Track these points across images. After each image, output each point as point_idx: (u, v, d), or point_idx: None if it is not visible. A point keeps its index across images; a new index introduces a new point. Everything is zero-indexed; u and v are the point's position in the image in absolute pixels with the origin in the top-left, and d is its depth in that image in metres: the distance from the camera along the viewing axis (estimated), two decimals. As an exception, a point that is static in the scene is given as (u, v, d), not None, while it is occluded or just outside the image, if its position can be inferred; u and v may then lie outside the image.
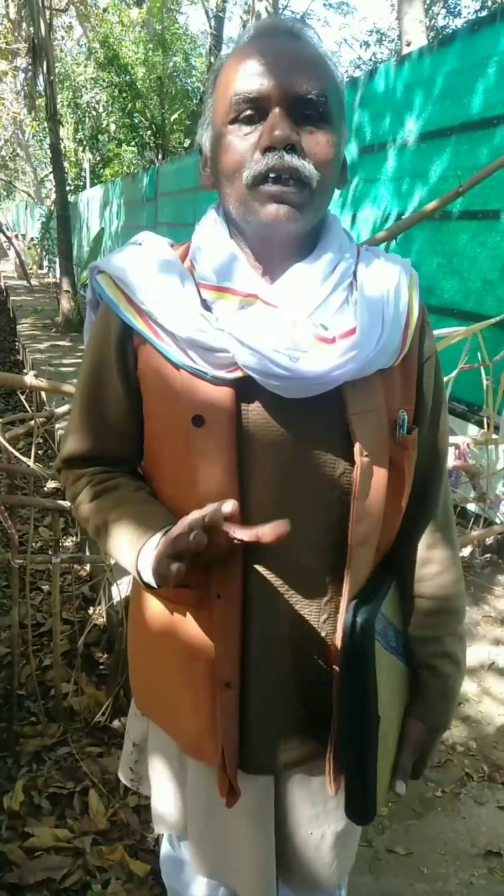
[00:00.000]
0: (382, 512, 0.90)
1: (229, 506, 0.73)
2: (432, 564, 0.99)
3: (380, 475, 0.87)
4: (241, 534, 0.74)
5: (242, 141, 0.80)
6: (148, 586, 0.86)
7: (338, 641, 0.91)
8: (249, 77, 0.79)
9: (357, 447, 0.84)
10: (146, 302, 0.85)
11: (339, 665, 0.90)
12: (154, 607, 0.98)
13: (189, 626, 0.92)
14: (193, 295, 0.85)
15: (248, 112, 0.79)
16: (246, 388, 0.83)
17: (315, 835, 1.02)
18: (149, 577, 0.84)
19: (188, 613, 0.92)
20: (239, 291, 0.83)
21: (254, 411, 0.84)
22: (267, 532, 0.73)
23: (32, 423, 2.05)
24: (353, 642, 0.87)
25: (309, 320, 0.81)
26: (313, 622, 0.91)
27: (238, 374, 0.82)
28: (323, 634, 0.92)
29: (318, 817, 1.02)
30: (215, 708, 0.92)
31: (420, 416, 0.94)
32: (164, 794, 1.09)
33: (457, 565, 1.01)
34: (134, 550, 0.86)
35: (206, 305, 0.84)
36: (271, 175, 0.78)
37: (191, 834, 1.07)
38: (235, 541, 0.75)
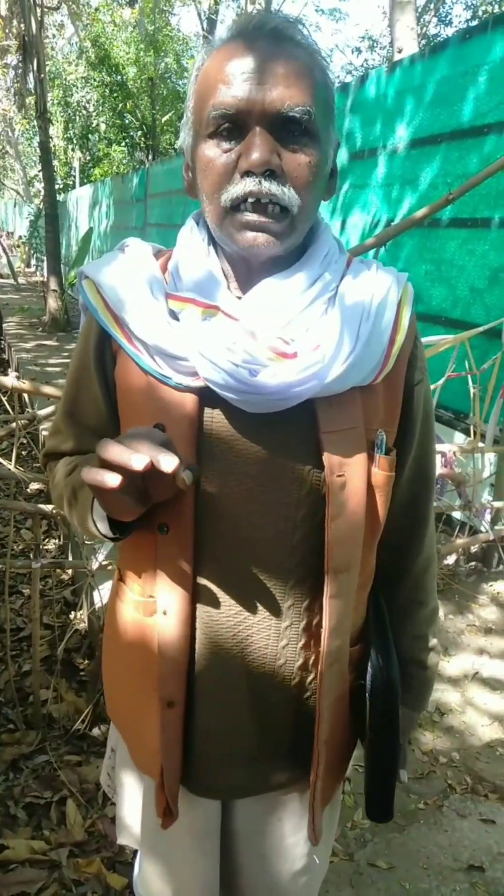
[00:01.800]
0: (362, 536, 0.87)
1: (170, 465, 0.69)
2: (422, 576, 1.03)
3: (356, 497, 0.84)
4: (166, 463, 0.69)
5: (221, 158, 0.77)
6: (107, 537, 0.87)
7: (321, 666, 0.88)
8: (228, 89, 0.74)
9: (327, 467, 0.82)
10: (120, 308, 0.84)
11: (368, 705, 0.94)
12: (120, 616, 0.96)
13: (143, 640, 0.90)
14: (162, 304, 0.83)
15: (227, 126, 0.76)
16: (210, 397, 0.81)
17: (270, 870, 1.00)
18: (102, 522, 0.85)
19: (144, 627, 0.90)
20: (201, 302, 0.81)
21: (217, 421, 0.82)
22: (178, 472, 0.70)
23: (14, 425, 2.02)
24: (385, 698, 0.93)
25: (272, 334, 0.79)
26: (270, 647, 0.88)
27: (201, 382, 0.81)
28: (282, 662, 0.89)
29: (273, 851, 1.00)
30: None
31: (407, 441, 0.92)
32: (128, 804, 1.08)
33: (435, 562, 1.06)
34: (88, 499, 0.87)
35: (174, 315, 0.83)
36: (249, 200, 0.76)
37: (141, 850, 1.05)
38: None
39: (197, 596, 0.86)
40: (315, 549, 0.85)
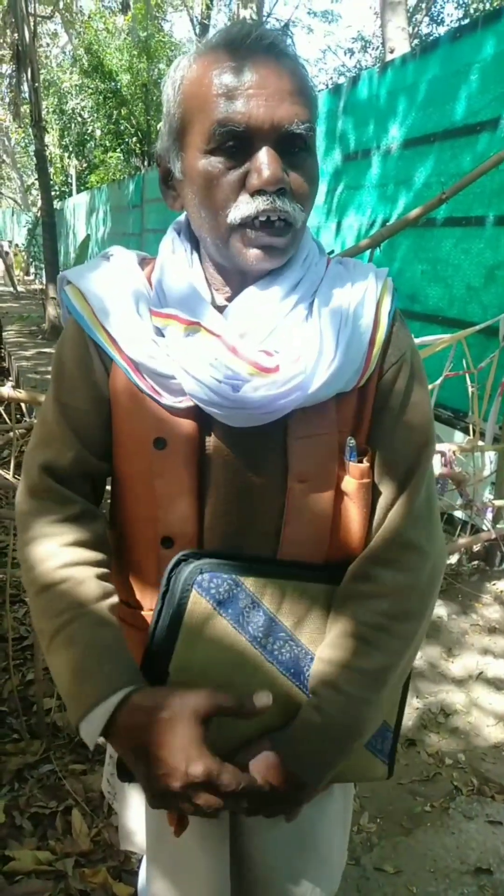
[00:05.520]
0: (327, 538, 0.86)
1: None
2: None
3: (319, 504, 0.84)
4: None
5: (226, 175, 0.75)
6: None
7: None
8: (234, 105, 0.73)
9: (290, 472, 0.82)
10: (106, 320, 0.83)
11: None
12: None
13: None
14: (146, 320, 0.83)
15: (231, 144, 0.74)
16: (203, 414, 0.81)
17: (286, 867, 0.99)
18: (90, 739, 0.78)
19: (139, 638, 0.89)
20: (183, 319, 0.80)
21: (212, 436, 0.83)
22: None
23: (11, 434, 2.02)
24: None
25: (254, 347, 0.79)
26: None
27: (191, 401, 0.81)
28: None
29: (288, 847, 0.99)
30: None
31: (381, 427, 0.86)
32: (130, 810, 1.07)
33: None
34: (83, 701, 0.77)
35: (159, 332, 0.82)
36: (260, 218, 0.75)
37: (146, 857, 1.04)
38: None
39: None
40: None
